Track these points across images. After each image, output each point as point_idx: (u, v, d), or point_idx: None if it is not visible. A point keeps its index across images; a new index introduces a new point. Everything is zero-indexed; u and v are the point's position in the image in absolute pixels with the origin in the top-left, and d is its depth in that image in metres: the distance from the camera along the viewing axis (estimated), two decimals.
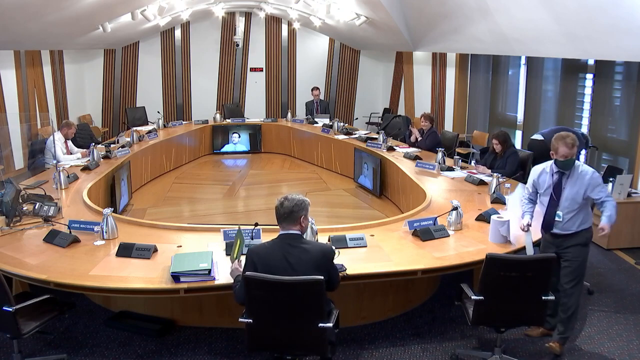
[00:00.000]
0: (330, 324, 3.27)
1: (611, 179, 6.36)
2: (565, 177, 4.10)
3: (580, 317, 4.68)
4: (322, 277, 3.15)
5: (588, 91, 7.89)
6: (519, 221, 4.38)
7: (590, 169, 4.08)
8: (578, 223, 4.10)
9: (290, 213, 3.37)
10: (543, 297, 3.62)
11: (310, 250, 3.38)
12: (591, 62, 7.76)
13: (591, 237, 4.20)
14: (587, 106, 7.93)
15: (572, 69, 8.17)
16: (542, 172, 4.25)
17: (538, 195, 4.33)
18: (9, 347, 4.17)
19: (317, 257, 3.34)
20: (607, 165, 7.08)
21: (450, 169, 7.02)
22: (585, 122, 7.99)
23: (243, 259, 3.49)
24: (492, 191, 5.82)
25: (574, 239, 4.12)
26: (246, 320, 3.27)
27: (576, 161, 4.09)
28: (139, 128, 10.33)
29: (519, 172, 6.47)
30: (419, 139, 8.51)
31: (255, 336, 3.35)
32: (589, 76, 7.86)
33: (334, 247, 3.70)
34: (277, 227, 3.48)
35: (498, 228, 4.45)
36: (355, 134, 9.77)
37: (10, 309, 3.45)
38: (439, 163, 7.12)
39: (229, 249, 3.94)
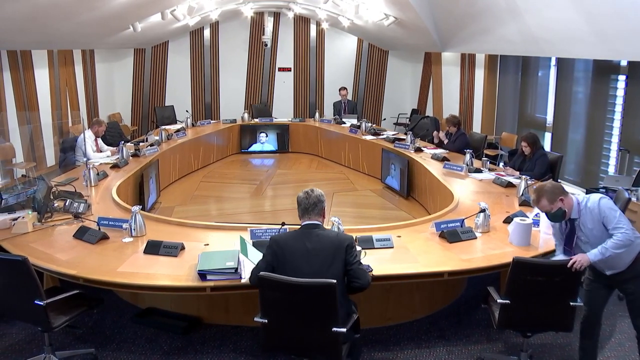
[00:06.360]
0: (344, 329, 3.20)
1: None
2: (577, 223, 3.75)
3: (609, 323, 4.60)
4: (335, 281, 3.10)
5: (620, 93, 7.72)
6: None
7: (596, 199, 3.66)
8: (624, 256, 3.65)
9: (316, 204, 3.52)
10: (571, 303, 3.55)
11: (328, 235, 3.48)
12: (624, 63, 7.60)
13: None
14: (619, 108, 7.75)
15: (604, 70, 8.01)
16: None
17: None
18: (40, 340, 4.27)
19: (334, 243, 3.40)
20: (639, 170, 6.93)
21: (478, 170, 6.94)
22: (617, 124, 7.81)
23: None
24: (521, 193, 5.74)
25: (630, 272, 3.70)
26: (261, 320, 3.30)
27: (578, 200, 3.72)
28: (167, 127, 10.45)
29: (548, 175, 6.37)
30: (446, 142, 8.45)
31: (270, 337, 3.38)
32: (622, 77, 7.69)
33: (354, 236, 3.78)
34: None
35: (519, 231, 4.41)
36: (383, 135, 9.72)
37: (42, 303, 3.52)
38: (467, 164, 7.06)
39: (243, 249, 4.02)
